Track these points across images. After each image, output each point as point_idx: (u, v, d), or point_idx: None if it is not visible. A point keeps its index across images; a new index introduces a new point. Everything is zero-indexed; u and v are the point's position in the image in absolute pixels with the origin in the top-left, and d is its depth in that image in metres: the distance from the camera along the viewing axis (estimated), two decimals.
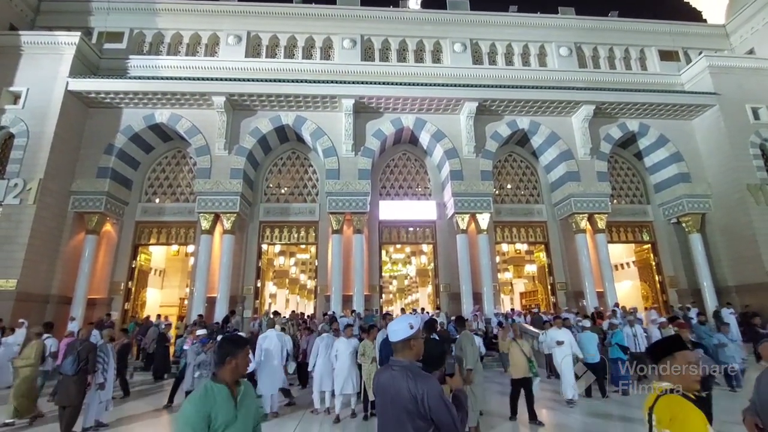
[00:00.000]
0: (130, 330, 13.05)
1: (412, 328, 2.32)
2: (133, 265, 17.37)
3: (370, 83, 17.29)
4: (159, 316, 16.46)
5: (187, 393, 7.56)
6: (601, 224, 17.40)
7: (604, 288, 16.62)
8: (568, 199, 17.48)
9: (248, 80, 16.95)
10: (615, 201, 18.94)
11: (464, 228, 16.79)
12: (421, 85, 17.44)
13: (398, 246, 21.71)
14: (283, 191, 18.64)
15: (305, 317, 15.47)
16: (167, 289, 21.84)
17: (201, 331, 8.60)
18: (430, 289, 23.65)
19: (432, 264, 19.46)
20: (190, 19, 19.62)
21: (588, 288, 16.61)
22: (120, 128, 16.80)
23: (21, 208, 14.42)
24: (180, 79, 16.87)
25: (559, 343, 8.64)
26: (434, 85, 17.53)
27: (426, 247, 20.84)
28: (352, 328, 8.36)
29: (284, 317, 14.01)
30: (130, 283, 17.12)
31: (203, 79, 16.87)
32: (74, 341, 7.44)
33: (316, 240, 17.96)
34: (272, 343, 8.22)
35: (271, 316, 13.81)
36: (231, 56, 18.89)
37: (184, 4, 19.58)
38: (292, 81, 17.06)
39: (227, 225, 16.06)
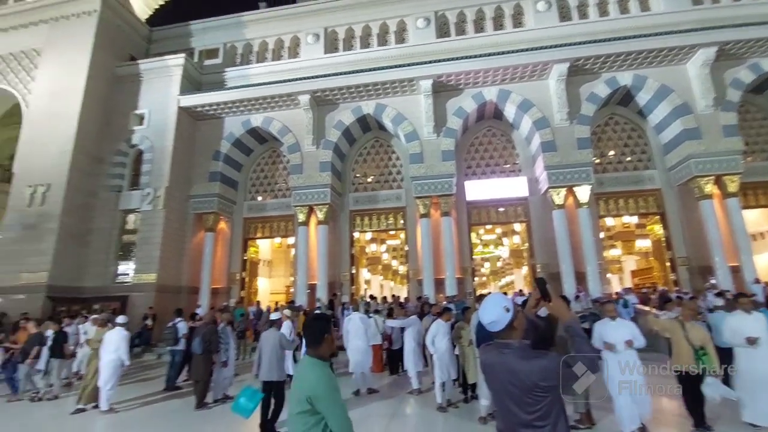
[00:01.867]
0: (237, 316, 14.52)
1: (508, 311, 2.14)
2: (245, 258, 19.40)
3: (447, 60, 16.69)
4: (276, 303, 18.18)
5: None
6: (733, 187, 14.74)
7: (740, 261, 14.17)
8: (686, 161, 15.12)
9: (328, 76, 17.52)
10: (749, 158, 15.90)
11: (560, 203, 15.56)
12: (503, 53, 16.34)
13: (488, 227, 20.95)
14: (369, 180, 19.11)
15: (398, 301, 15.74)
16: (275, 278, 24.00)
17: (274, 316, 9.18)
18: (525, 269, 22.52)
19: (526, 243, 18.46)
20: (273, 26, 20.85)
21: (718, 262, 14.30)
22: (223, 135, 18.67)
23: (153, 213, 16.90)
24: (268, 84, 18.09)
25: (752, 341, 5.43)
26: (517, 51, 16.29)
27: (518, 226, 19.78)
28: (451, 312, 8.28)
29: (378, 303, 14.50)
30: (243, 273, 19.16)
31: (288, 81, 17.86)
32: (200, 326, 8.55)
33: (405, 225, 18.15)
34: (355, 325, 8.67)
35: (368, 300, 14.44)
36: (311, 55, 19.69)
37: (266, 13, 20.86)
38: (369, 70, 17.23)
39: (320, 216, 17.00)
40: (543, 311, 2.42)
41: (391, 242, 24.51)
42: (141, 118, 18.26)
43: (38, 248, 15.59)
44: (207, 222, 18.24)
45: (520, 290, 18.48)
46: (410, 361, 8.29)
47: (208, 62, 20.77)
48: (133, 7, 20.99)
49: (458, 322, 7.85)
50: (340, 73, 17.49)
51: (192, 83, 19.25)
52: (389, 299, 15.96)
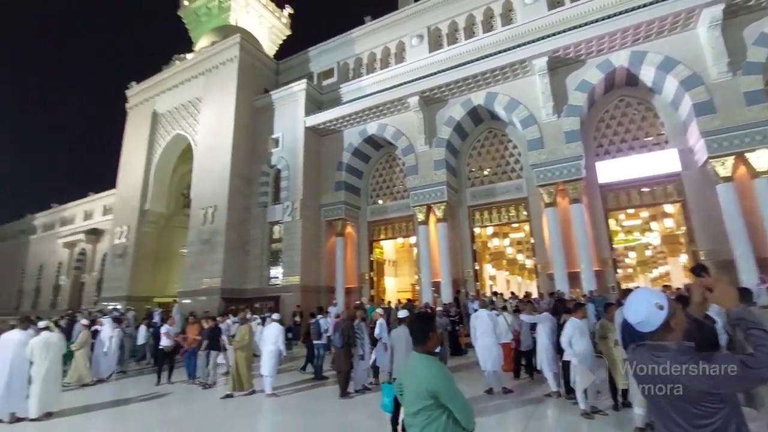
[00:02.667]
0: (370, 313, 15.40)
1: (662, 308, 1.86)
2: (371, 259, 20.68)
3: (563, 32, 15.18)
4: (398, 300, 18.97)
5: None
6: None
7: None
8: None
9: (434, 74, 17.56)
10: None
11: (727, 174, 12.73)
12: (635, 9, 14.11)
13: (630, 211, 18.31)
14: (485, 173, 18.53)
15: (529, 298, 14.85)
16: (400, 277, 25.02)
17: (402, 313, 9.30)
18: (684, 258, 19.05)
19: (683, 227, 15.61)
20: (378, 36, 21.80)
21: None
22: (344, 147, 20.28)
23: (293, 223, 19.25)
24: (378, 92, 18.99)
25: None
26: (653, 3, 13.90)
27: (670, 208, 16.85)
28: (585, 308, 7.52)
29: (505, 299, 13.93)
30: (371, 273, 20.46)
31: (396, 86, 18.47)
32: (339, 320, 9.41)
33: (529, 216, 17.08)
34: (483, 322, 8.42)
35: (492, 297, 14.01)
36: (416, 56, 19.97)
37: (371, 25, 21.90)
38: (476, 60, 16.72)
39: (439, 214, 17.12)
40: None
41: (514, 235, 23.30)
42: (277, 141, 20.98)
43: (213, 258, 19.17)
44: (336, 227, 20.01)
45: (665, 286, 15.58)
46: (545, 361, 7.78)
47: (325, 82, 22.77)
48: (262, 47, 24.31)
49: (600, 320, 7.10)
50: (446, 69, 17.38)
51: (314, 103, 21.34)
52: (516, 296, 15.19)
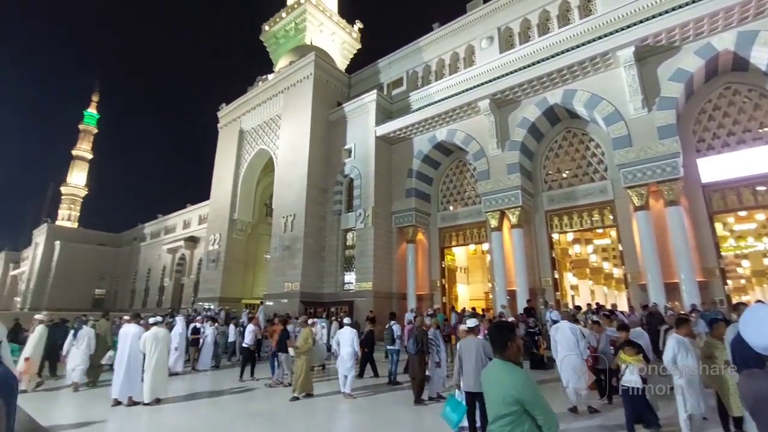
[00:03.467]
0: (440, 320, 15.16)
1: None
2: (443, 265, 20.47)
3: (653, 17, 13.84)
4: (463, 309, 18.52)
5: None
6: None
7: None
8: None
9: (505, 75, 17.03)
10: None
11: None
12: None
13: (742, 213, 15.98)
14: (564, 175, 17.44)
15: (604, 311, 13.47)
16: (473, 285, 24.41)
17: (471, 322, 8.96)
18: None
19: None
20: (446, 42, 21.73)
21: None
22: (414, 154, 20.44)
23: (365, 230, 19.79)
24: (447, 98, 18.88)
25: None
26: None
27: None
28: (690, 324, 6.69)
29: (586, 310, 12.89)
30: (443, 280, 20.24)
31: (465, 91, 18.22)
32: (412, 327, 9.45)
33: (615, 221, 15.70)
34: (565, 335, 7.77)
35: (570, 309, 12.99)
36: (487, 59, 19.55)
37: (439, 31, 21.91)
38: (552, 56, 15.90)
39: (513, 220, 16.46)
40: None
41: (599, 242, 21.52)
42: (349, 152, 21.81)
43: (293, 263, 20.40)
44: (407, 234, 20.16)
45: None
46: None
47: (395, 92, 23.21)
48: (335, 63, 25.52)
49: (706, 338, 6.28)
50: (519, 69, 16.77)
51: (384, 113, 21.85)
52: (598, 307, 13.95)
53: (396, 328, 11.25)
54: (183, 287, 38.93)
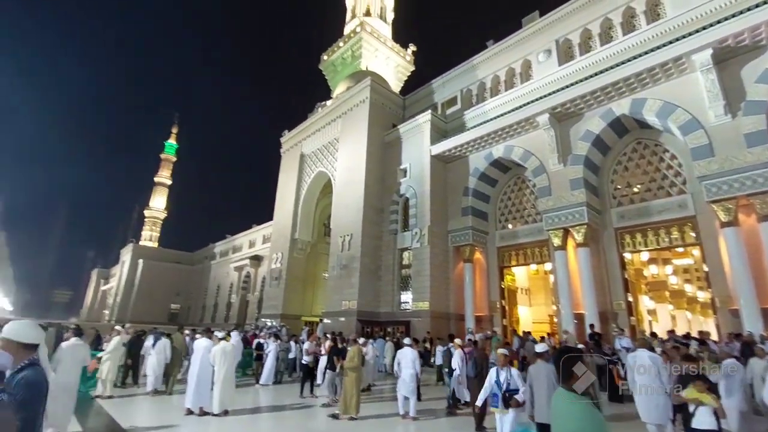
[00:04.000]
0: (494, 342, 14.42)
1: None
2: (502, 286, 19.71)
3: (735, 15, 12.70)
4: (528, 332, 17.56)
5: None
6: None
7: None
8: None
9: (565, 88, 16.43)
10: None
11: None
12: None
13: None
14: (635, 190, 16.22)
15: (698, 338, 12.01)
16: (535, 307, 23.18)
17: (540, 347, 8.40)
18: None
19: None
20: (501, 58, 21.52)
21: None
22: (470, 172, 20.18)
23: (421, 249, 19.68)
24: (503, 115, 18.55)
25: None
26: None
27: None
28: None
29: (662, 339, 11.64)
30: (503, 301, 19.45)
31: (522, 106, 17.80)
32: (471, 350, 9.14)
33: (698, 239, 14.21)
34: (644, 365, 6.99)
35: (647, 336, 11.81)
36: (544, 72, 19.06)
37: (493, 49, 21.78)
38: (616, 66, 15.11)
39: (579, 238, 15.52)
40: None
41: (679, 262, 19.63)
42: (405, 171, 22.05)
43: (350, 282, 20.76)
44: (464, 253, 19.74)
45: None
46: (734, 420, 6.22)
47: (449, 111, 23.27)
48: (390, 86, 26.22)
49: None
50: (580, 81, 16.12)
51: (439, 132, 21.91)
52: (669, 335, 12.55)
53: (455, 350, 10.93)
54: (248, 304, 41.01)
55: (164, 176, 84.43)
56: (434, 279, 19.13)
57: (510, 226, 20.09)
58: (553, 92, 16.87)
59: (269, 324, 24.04)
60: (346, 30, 36.61)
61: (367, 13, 36.28)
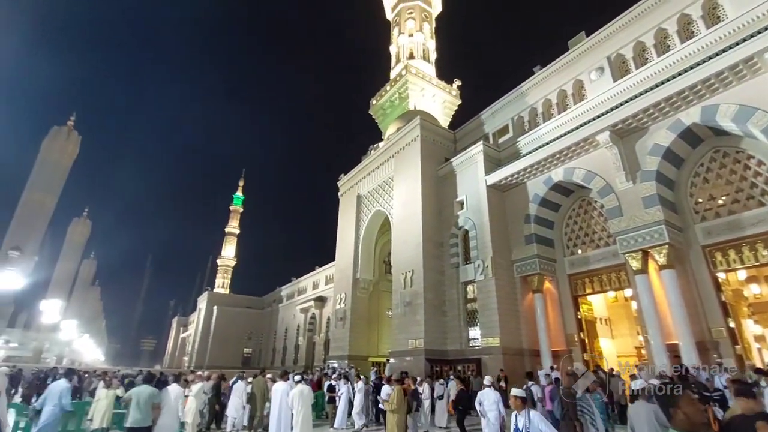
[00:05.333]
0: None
1: None
2: (578, 317, 18.36)
3: None
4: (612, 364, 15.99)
5: None
6: None
7: None
8: None
9: (625, 103, 15.73)
10: None
11: None
12: None
13: None
14: (720, 202, 14.77)
15: None
16: (618, 338, 21.21)
17: (637, 384, 7.59)
18: None
19: None
20: (550, 82, 21.29)
21: None
22: (530, 199, 19.62)
23: (486, 282, 19.09)
24: (558, 138, 18.04)
25: None
26: None
27: None
28: None
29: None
30: (581, 334, 18.04)
31: (579, 126, 17.24)
32: (553, 388, 8.55)
33: None
34: None
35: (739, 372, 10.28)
36: (599, 90, 18.52)
37: (541, 74, 21.68)
38: (677, 75, 14.31)
39: (661, 259, 14.24)
40: None
41: None
42: (461, 204, 21.93)
43: (415, 319, 20.51)
44: (532, 283, 18.83)
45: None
46: None
47: (501, 139, 23.15)
48: (438, 122, 26.76)
49: None
50: (640, 94, 15.37)
51: (493, 162, 21.74)
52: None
53: (535, 389, 10.30)
54: (315, 345, 41.70)
55: (233, 226, 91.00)
56: (503, 312, 18.32)
57: (579, 251, 18.98)
58: (612, 109, 16.20)
59: (336, 365, 24.18)
60: (392, 74, 38.36)
61: (411, 56, 37.92)
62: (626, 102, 15.73)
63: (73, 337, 67.67)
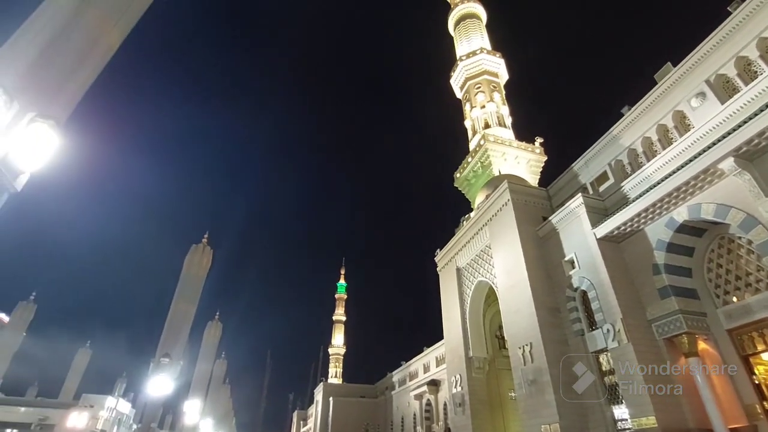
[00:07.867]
0: None
1: None
2: (755, 381, 14.65)
3: None
4: None
5: None
6: None
7: None
8: None
9: (743, 123, 13.88)
10: None
11: None
12: None
13: None
14: None
15: None
16: None
17: None
18: None
19: None
20: (644, 120, 19.94)
21: None
22: (653, 246, 17.35)
23: (621, 349, 16.51)
24: (671, 174, 16.29)
25: None
26: None
27: None
28: None
29: None
30: (765, 403, 14.20)
31: (693, 159, 15.46)
32: None
33: None
34: None
35: None
36: (706, 116, 16.76)
37: (631, 114, 20.48)
38: None
39: None
40: None
41: None
42: (572, 263, 20.18)
43: (543, 400, 18.20)
44: (682, 346, 15.79)
45: None
46: None
47: (602, 188, 21.62)
48: (527, 181, 26.17)
49: None
50: (761, 109, 13.53)
51: (598, 213, 20.10)
52: None
53: None
54: None
55: (339, 314, 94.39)
56: (651, 384, 15.31)
57: (734, 299, 15.75)
58: (729, 133, 14.38)
59: None
60: (471, 146, 39.36)
61: (486, 126, 38.83)
62: (747, 121, 13.91)
63: None
